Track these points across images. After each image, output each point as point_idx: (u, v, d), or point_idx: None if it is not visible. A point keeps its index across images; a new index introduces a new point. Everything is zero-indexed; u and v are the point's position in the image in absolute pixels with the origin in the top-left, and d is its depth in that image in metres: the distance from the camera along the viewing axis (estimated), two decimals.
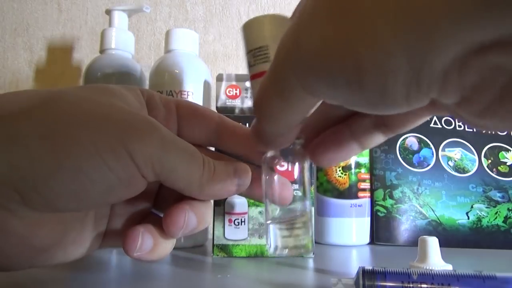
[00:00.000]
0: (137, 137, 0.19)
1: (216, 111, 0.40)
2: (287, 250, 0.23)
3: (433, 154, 0.53)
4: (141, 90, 0.25)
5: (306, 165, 0.23)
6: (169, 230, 0.22)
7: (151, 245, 0.23)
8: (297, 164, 0.23)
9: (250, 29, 0.22)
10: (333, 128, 0.22)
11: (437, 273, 0.22)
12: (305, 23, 0.15)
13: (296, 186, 0.25)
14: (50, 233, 0.20)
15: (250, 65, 0.22)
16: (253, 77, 0.22)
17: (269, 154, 0.23)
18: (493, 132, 0.54)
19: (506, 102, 0.13)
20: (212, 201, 0.26)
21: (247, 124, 0.38)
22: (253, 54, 0.22)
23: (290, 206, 0.24)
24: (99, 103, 0.20)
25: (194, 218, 0.23)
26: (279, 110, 0.17)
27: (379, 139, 0.22)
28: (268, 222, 0.23)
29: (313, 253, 0.23)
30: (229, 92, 0.40)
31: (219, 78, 0.40)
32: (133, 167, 0.19)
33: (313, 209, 0.39)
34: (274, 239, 0.23)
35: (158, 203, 0.27)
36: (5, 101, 0.19)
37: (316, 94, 0.15)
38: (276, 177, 0.23)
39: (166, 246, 0.24)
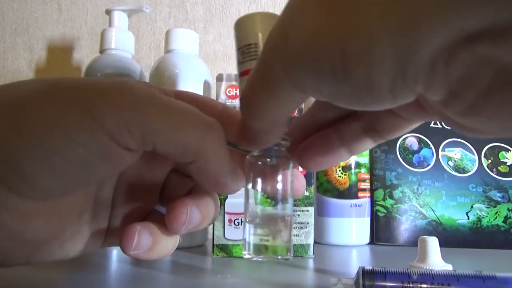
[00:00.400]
0: (104, 101, 0.17)
1: None
2: (263, 254, 0.22)
3: (433, 154, 0.53)
4: (139, 83, 0.25)
5: (290, 167, 0.23)
6: (172, 226, 0.21)
7: (149, 243, 0.22)
8: (281, 166, 0.23)
9: (240, 26, 0.22)
10: (322, 132, 0.22)
11: (437, 273, 0.22)
12: (292, 15, 0.14)
13: (279, 189, 0.24)
14: (44, 226, 0.20)
15: (239, 63, 0.22)
16: (241, 74, 0.22)
17: (254, 153, 0.22)
18: None
19: (490, 99, 0.13)
20: (217, 197, 0.25)
21: None
22: (242, 51, 0.21)
23: (271, 209, 0.23)
24: (68, 79, 0.19)
25: (198, 213, 0.22)
26: (266, 105, 0.17)
27: (367, 144, 0.21)
28: (247, 222, 0.23)
29: (291, 257, 0.23)
30: (229, 92, 0.40)
31: (219, 78, 0.40)
32: (105, 137, 0.17)
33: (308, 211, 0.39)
34: (251, 241, 0.22)
35: (163, 200, 0.26)
36: None
37: (302, 87, 0.15)
38: (263, 176, 0.22)
39: (167, 245, 0.23)
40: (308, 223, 0.38)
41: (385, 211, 0.51)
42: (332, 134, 0.21)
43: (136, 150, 0.18)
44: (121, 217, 0.24)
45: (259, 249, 0.22)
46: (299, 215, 0.38)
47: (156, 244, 0.22)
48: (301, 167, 0.23)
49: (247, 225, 0.23)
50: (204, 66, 0.49)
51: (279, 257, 0.22)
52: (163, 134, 0.18)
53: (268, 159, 0.22)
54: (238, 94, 0.40)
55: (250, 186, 0.23)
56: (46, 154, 0.17)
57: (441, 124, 0.54)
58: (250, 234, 0.23)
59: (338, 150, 0.21)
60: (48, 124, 0.17)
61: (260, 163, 0.22)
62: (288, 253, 0.22)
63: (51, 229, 0.20)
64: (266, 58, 0.16)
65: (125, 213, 0.24)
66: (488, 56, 0.12)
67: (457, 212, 0.50)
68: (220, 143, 0.19)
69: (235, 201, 0.38)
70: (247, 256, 0.22)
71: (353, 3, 0.12)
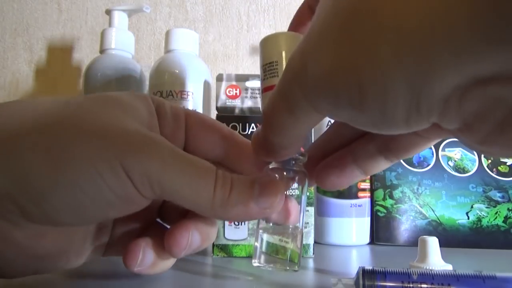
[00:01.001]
0: (134, 155, 0.19)
1: (216, 111, 0.40)
2: (272, 263, 0.23)
3: (433, 154, 0.53)
4: (152, 98, 0.25)
5: (306, 183, 0.23)
6: (171, 251, 0.22)
7: (152, 260, 0.23)
8: (296, 179, 0.23)
9: (264, 45, 0.23)
10: (337, 153, 0.22)
11: (437, 273, 0.22)
12: (311, 46, 0.15)
13: None
14: (53, 243, 0.21)
15: (262, 79, 0.23)
16: (264, 90, 0.23)
17: (271, 166, 0.23)
18: None
19: (506, 133, 0.14)
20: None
21: (247, 124, 0.38)
22: (265, 68, 0.23)
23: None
24: (101, 118, 0.20)
25: (198, 237, 0.23)
26: (286, 123, 0.18)
27: (382, 165, 0.22)
28: (260, 230, 0.23)
29: (299, 269, 0.24)
30: (229, 92, 0.40)
31: (219, 78, 0.40)
32: (131, 186, 0.19)
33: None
34: (262, 249, 0.23)
35: (164, 213, 0.27)
36: (7, 115, 0.19)
37: (321, 111, 0.16)
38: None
39: (168, 261, 0.24)
40: (308, 223, 0.38)
41: (385, 211, 0.51)
42: (347, 155, 0.22)
43: (152, 199, 0.20)
44: (121, 233, 0.25)
45: (269, 258, 0.23)
46: None
47: (157, 261, 0.23)
48: (319, 186, 0.23)
49: (260, 233, 0.23)
50: (204, 66, 0.49)
51: (287, 268, 0.23)
52: (179, 193, 0.19)
53: (285, 172, 0.23)
54: (238, 94, 0.40)
55: None
56: (72, 190, 0.18)
57: None
58: (261, 243, 0.23)
59: (352, 172, 0.22)
60: (80, 163, 0.18)
61: (276, 175, 0.23)
62: (297, 265, 0.23)
63: (61, 246, 0.21)
64: (287, 83, 0.17)
65: (126, 227, 0.25)
66: (500, 96, 0.12)
67: (457, 212, 0.50)
68: (226, 198, 0.20)
69: None
70: (256, 264, 0.23)
71: (368, 39, 0.13)
